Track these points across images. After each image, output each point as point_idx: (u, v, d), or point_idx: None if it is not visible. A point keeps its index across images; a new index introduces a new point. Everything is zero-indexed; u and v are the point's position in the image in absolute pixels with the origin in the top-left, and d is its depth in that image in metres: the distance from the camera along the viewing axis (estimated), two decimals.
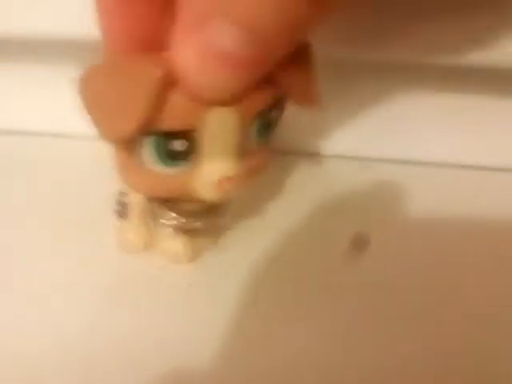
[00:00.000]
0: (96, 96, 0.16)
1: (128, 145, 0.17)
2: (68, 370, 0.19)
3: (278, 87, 0.17)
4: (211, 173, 0.17)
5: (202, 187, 0.17)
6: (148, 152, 0.17)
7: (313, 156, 0.28)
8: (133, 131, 0.15)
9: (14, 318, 0.20)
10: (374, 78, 0.25)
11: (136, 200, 0.21)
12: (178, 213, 0.20)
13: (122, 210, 0.21)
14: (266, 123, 0.18)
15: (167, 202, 0.20)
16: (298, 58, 0.17)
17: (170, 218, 0.20)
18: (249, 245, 0.23)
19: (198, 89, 0.15)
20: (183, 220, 0.20)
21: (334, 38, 0.21)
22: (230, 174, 0.17)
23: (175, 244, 0.21)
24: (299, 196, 0.25)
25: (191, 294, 0.21)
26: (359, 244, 0.23)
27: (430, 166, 0.27)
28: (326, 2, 0.15)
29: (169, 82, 0.15)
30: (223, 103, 0.16)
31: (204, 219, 0.20)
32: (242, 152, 0.18)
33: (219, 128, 0.16)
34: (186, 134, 0.16)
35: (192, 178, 0.17)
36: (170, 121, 0.16)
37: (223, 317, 0.20)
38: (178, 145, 0.16)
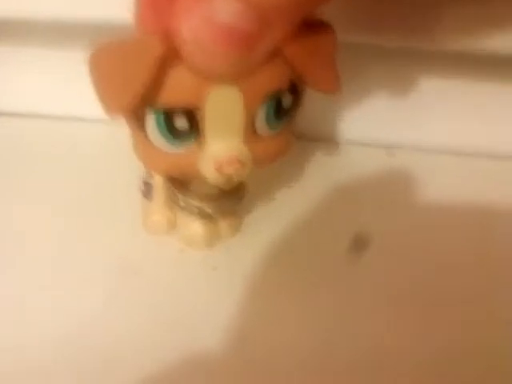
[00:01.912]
0: (100, 70, 0.16)
1: (136, 121, 0.17)
2: (84, 350, 0.19)
3: (292, 70, 0.16)
4: (212, 153, 0.17)
5: (203, 168, 0.17)
6: (152, 129, 0.17)
7: (330, 142, 0.27)
8: (130, 103, 0.15)
9: (35, 299, 0.20)
10: (394, 63, 0.24)
11: (160, 181, 0.21)
12: (192, 196, 0.20)
13: (147, 191, 0.22)
14: (277, 108, 0.17)
15: (181, 184, 0.20)
16: (316, 40, 0.16)
17: (185, 202, 0.20)
18: (264, 231, 0.22)
19: (199, 63, 0.15)
20: (197, 204, 0.20)
21: (355, 22, 0.21)
22: (231, 156, 0.17)
23: (193, 228, 0.21)
24: (316, 182, 0.25)
25: (209, 277, 0.21)
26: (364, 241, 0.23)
27: (451, 154, 0.26)
28: None
29: (170, 58, 0.15)
30: (226, 81, 0.16)
31: (220, 203, 0.20)
32: (250, 136, 0.17)
33: (221, 106, 0.16)
34: (188, 112, 0.16)
35: (196, 158, 0.17)
36: (172, 97, 0.16)
37: (239, 301, 0.20)
38: (181, 122, 0.16)
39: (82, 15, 0.22)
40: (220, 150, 0.17)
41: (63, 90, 0.27)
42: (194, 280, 0.21)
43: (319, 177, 0.25)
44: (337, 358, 0.19)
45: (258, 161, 0.18)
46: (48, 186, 0.24)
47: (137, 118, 0.17)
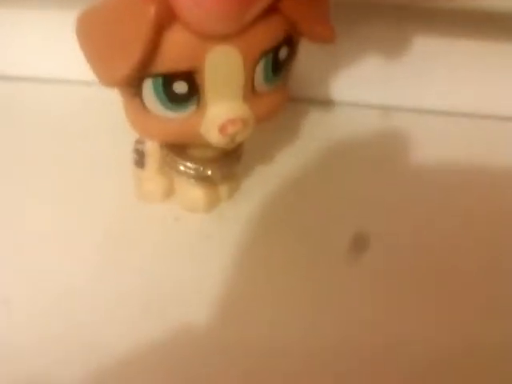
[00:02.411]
0: (91, 36, 0.15)
1: (130, 89, 0.16)
2: (73, 320, 0.19)
3: (287, 21, 0.16)
4: (214, 115, 0.16)
5: (206, 131, 0.17)
6: (150, 96, 0.16)
7: (325, 104, 0.27)
8: (129, 73, 0.15)
9: (31, 263, 0.20)
10: (390, 22, 0.24)
11: (153, 148, 0.20)
12: (190, 160, 0.20)
13: (140, 159, 0.21)
14: (274, 63, 0.17)
15: (180, 149, 0.20)
16: None
17: (184, 166, 0.20)
18: (259, 196, 0.22)
19: (196, 21, 0.14)
20: (196, 167, 0.20)
21: None
22: (234, 117, 0.16)
23: (193, 193, 0.21)
24: (311, 144, 0.24)
25: (205, 244, 0.21)
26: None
27: (448, 115, 0.26)
28: None
29: (165, 21, 0.14)
30: (224, 41, 0.15)
31: (219, 165, 0.20)
32: (249, 94, 0.17)
33: (221, 67, 0.16)
34: (186, 75, 0.16)
35: (197, 122, 0.17)
36: (170, 61, 0.15)
37: (235, 268, 0.20)
38: (180, 87, 0.16)
39: None
40: (222, 111, 0.16)
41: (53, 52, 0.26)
42: (186, 248, 0.21)
43: (314, 138, 0.25)
44: (324, 336, 0.19)
45: (259, 118, 0.17)
46: (35, 152, 0.24)
47: (132, 85, 0.16)
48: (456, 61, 0.25)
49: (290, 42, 0.17)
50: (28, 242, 0.21)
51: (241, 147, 0.20)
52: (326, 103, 0.27)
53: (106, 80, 0.15)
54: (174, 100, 0.16)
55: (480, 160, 0.24)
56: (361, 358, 0.18)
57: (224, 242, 0.21)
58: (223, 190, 0.21)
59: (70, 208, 0.22)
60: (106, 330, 0.18)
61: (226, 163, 0.20)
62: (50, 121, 0.25)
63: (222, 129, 0.17)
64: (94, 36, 0.15)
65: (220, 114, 0.16)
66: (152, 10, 0.14)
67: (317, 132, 0.25)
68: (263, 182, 0.23)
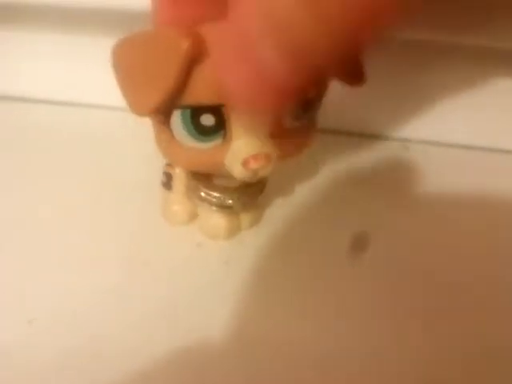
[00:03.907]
0: (125, 66, 0.16)
1: (160, 118, 0.17)
2: (98, 334, 0.19)
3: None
4: (238, 150, 0.17)
5: (229, 164, 0.17)
6: (178, 126, 0.17)
7: (347, 135, 0.27)
8: (160, 103, 0.15)
9: (55, 282, 0.21)
10: (411, 59, 0.24)
11: (180, 173, 0.21)
12: (213, 189, 0.20)
13: (168, 182, 0.22)
14: (304, 101, 0.17)
15: (204, 177, 0.20)
16: None
17: (206, 194, 0.20)
18: (280, 224, 0.22)
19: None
20: (218, 196, 0.20)
21: None
22: (257, 152, 0.17)
23: (214, 220, 0.21)
24: (331, 175, 0.25)
25: (223, 269, 0.21)
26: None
27: (464, 148, 0.27)
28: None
29: (197, 56, 0.15)
30: None
31: (241, 195, 0.20)
32: (276, 130, 0.17)
33: None
34: (214, 109, 0.16)
35: (221, 155, 0.17)
36: (198, 95, 0.16)
37: (247, 296, 0.20)
38: (207, 119, 0.16)
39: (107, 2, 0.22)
40: (247, 146, 0.17)
41: (77, 77, 0.27)
42: (206, 272, 0.21)
43: (334, 169, 0.25)
44: (341, 355, 0.19)
45: (285, 154, 0.18)
46: (64, 170, 0.24)
47: (162, 115, 0.17)
48: (472, 95, 0.26)
49: (322, 83, 0.17)
50: (53, 261, 0.21)
51: (264, 179, 0.21)
52: (348, 135, 0.27)
53: (137, 109, 0.16)
54: (201, 131, 0.17)
55: (495, 193, 0.24)
56: (372, 365, 0.18)
57: (241, 268, 0.21)
58: (244, 218, 0.22)
59: (94, 227, 0.22)
60: (127, 347, 0.19)
61: (248, 194, 0.20)
62: (81, 142, 0.26)
63: (244, 163, 0.17)
64: (129, 66, 0.16)
65: (244, 149, 0.17)
66: (185, 45, 0.14)
67: (336, 163, 0.25)
68: (283, 211, 0.23)
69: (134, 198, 0.23)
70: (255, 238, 0.22)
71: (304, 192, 0.24)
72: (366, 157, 0.26)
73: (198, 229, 0.22)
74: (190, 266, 0.21)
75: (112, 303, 0.20)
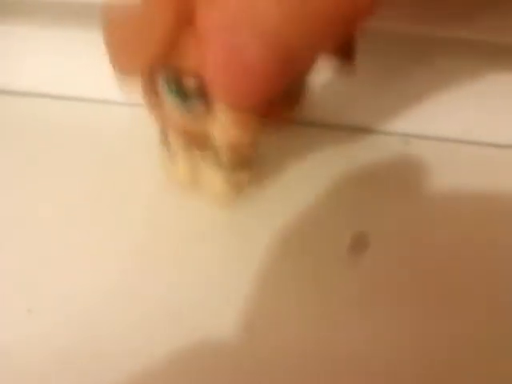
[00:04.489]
0: (114, 32, 0.16)
1: (148, 83, 0.18)
2: (99, 327, 0.20)
3: None
4: (221, 119, 0.17)
5: (213, 132, 0.18)
6: (164, 90, 0.17)
7: (345, 129, 0.27)
8: (145, 65, 0.16)
9: (55, 272, 0.21)
10: (414, 52, 0.24)
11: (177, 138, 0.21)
12: (208, 148, 0.20)
13: (165, 139, 0.22)
14: None
15: (197, 137, 0.20)
16: None
17: (203, 154, 0.21)
18: (280, 219, 0.23)
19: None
20: (214, 154, 0.20)
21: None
22: (240, 122, 0.17)
23: (217, 184, 0.22)
24: (331, 169, 0.25)
25: (225, 269, 0.22)
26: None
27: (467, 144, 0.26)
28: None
29: (184, 22, 0.15)
30: None
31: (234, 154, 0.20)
32: None
33: None
34: (199, 74, 0.16)
35: (205, 122, 0.18)
36: (184, 58, 0.16)
37: (253, 293, 0.20)
38: (190, 82, 0.17)
39: None
40: (229, 116, 0.17)
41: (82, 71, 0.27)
42: (210, 262, 0.22)
43: (334, 164, 0.25)
44: (339, 352, 0.19)
45: (268, 122, 0.18)
46: (63, 163, 0.25)
47: (148, 81, 0.17)
48: (476, 89, 0.26)
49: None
50: (53, 260, 0.21)
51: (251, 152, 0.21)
52: (346, 129, 0.27)
53: (123, 69, 0.17)
54: (187, 96, 0.17)
55: (498, 187, 0.24)
56: (372, 364, 0.19)
57: (241, 258, 0.22)
58: (242, 174, 0.22)
59: (95, 219, 0.23)
60: (128, 340, 0.19)
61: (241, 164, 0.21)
62: (82, 136, 0.26)
63: (226, 133, 0.17)
64: (116, 31, 0.16)
65: (226, 118, 0.17)
66: (171, 10, 0.15)
67: (335, 158, 0.25)
68: (280, 208, 0.23)
69: (134, 196, 0.23)
70: (254, 236, 0.22)
71: (301, 189, 0.24)
72: (365, 152, 0.26)
73: (201, 193, 0.22)
74: (190, 265, 0.21)
75: (113, 301, 0.20)
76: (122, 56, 0.16)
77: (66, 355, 0.19)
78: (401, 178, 0.25)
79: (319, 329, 0.20)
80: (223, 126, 0.17)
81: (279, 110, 0.17)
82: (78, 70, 0.27)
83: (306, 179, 0.24)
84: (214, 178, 0.22)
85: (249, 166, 0.22)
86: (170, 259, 0.21)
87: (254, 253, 0.22)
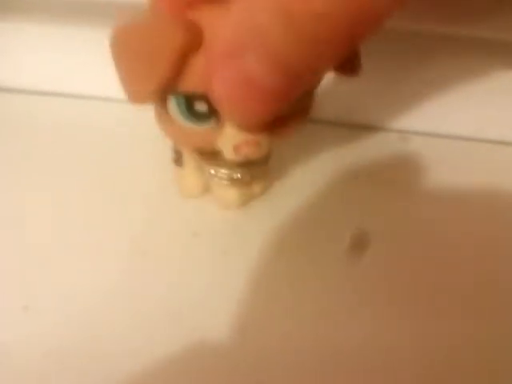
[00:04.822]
0: (122, 55, 0.16)
1: (159, 102, 0.18)
2: (96, 326, 0.19)
3: None
4: (230, 135, 0.17)
5: (223, 147, 0.18)
6: (174, 110, 0.17)
7: (344, 126, 0.27)
8: (154, 92, 0.16)
9: (54, 271, 0.21)
10: (412, 50, 0.24)
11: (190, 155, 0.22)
12: (220, 164, 0.21)
13: (178, 159, 0.22)
14: None
15: (209, 154, 0.20)
16: None
17: (214, 170, 0.21)
18: (278, 213, 0.23)
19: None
20: (226, 171, 0.21)
21: None
22: (249, 139, 0.17)
23: (226, 192, 0.22)
24: (330, 165, 0.25)
25: (222, 259, 0.22)
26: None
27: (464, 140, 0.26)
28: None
29: (192, 46, 0.15)
30: None
31: (247, 170, 0.21)
32: None
33: None
34: (207, 97, 0.16)
35: (215, 138, 0.18)
36: (192, 83, 0.16)
37: (245, 287, 0.21)
38: (200, 106, 0.17)
39: None
40: (238, 132, 0.17)
41: (81, 69, 0.27)
42: (202, 264, 0.22)
43: (333, 160, 0.25)
44: (337, 348, 0.19)
45: (276, 137, 0.18)
46: (66, 163, 0.24)
47: (158, 101, 0.17)
48: (479, 88, 0.25)
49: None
50: (53, 260, 0.21)
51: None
52: (345, 126, 0.27)
53: (133, 97, 0.16)
54: (195, 116, 0.17)
55: (497, 185, 0.24)
56: (372, 363, 0.19)
57: (240, 258, 0.22)
58: (255, 187, 0.23)
59: (95, 218, 0.23)
60: (127, 340, 0.19)
61: (255, 165, 0.21)
62: (82, 133, 0.26)
63: (236, 149, 0.18)
64: (125, 54, 0.16)
65: (235, 135, 0.17)
66: (180, 37, 0.15)
67: (335, 155, 0.25)
68: (280, 206, 0.23)
69: (135, 194, 0.23)
70: (254, 236, 0.22)
71: (301, 187, 0.24)
72: (365, 149, 0.26)
73: (212, 200, 0.23)
74: (189, 266, 0.21)
75: (112, 301, 0.20)
76: (132, 84, 0.16)
77: (65, 355, 0.19)
78: (400, 176, 0.25)
79: (320, 327, 0.20)
80: (235, 142, 0.17)
81: (288, 122, 0.17)
82: (77, 67, 0.27)
83: (306, 176, 0.24)
84: (227, 194, 0.22)
85: (262, 179, 0.22)
86: (170, 259, 0.21)
87: (254, 253, 0.22)
